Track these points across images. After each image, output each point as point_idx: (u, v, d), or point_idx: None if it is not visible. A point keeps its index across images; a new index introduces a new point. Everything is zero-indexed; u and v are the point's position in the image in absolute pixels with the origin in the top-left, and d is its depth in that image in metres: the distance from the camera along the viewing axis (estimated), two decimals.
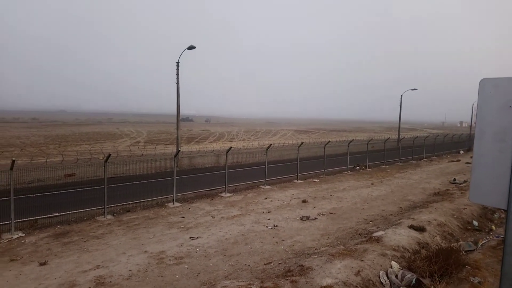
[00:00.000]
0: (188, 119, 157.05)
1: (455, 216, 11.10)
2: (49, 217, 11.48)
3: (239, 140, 56.25)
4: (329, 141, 24.63)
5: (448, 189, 16.22)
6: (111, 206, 12.64)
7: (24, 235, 9.79)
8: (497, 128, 2.63)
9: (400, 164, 26.79)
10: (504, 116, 2.60)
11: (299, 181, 18.51)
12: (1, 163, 21.78)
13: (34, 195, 14.66)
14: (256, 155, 28.01)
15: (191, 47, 23.18)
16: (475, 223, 10.80)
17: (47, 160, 20.88)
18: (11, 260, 8.04)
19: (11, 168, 10.09)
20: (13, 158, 10.54)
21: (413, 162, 28.18)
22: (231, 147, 17.61)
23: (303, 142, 23.77)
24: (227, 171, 15.74)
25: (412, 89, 44.03)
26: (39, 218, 11.15)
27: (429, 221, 10.01)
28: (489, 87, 2.70)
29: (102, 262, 7.95)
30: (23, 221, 10.69)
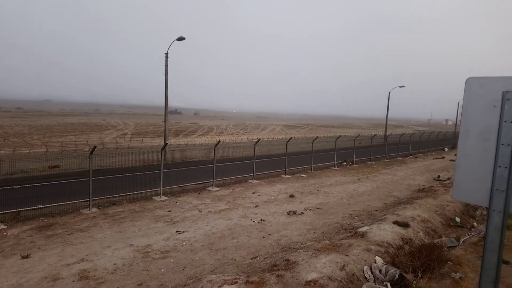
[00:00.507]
0: (176, 112, 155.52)
1: (439, 212, 11.36)
2: (32, 209, 11.24)
3: (228, 134, 56.07)
4: (317, 137, 24.76)
5: (432, 186, 16.56)
6: (97, 199, 12.47)
7: (6, 227, 9.57)
8: (481, 127, 2.66)
9: (386, 160, 27.19)
10: (489, 116, 2.62)
11: (287, 176, 18.61)
12: None
13: (17, 186, 14.33)
14: (244, 149, 27.97)
15: (180, 38, 22.86)
16: (458, 219, 11.07)
17: (31, 151, 20.39)
18: None
19: None
20: None
21: (399, 158, 28.65)
22: (219, 141, 17.55)
23: (291, 137, 23.85)
24: (215, 165, 15.69)
25: (400, 86, 44.60)
26: (22, 210, 10.90)
27: (413, 217, 10.21)
28: (475, 86, 2.71)
29: (87, 255, 7.85)
30: (5, 213, 10.44)
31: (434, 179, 19.14)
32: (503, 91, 2.57)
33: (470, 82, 2.73)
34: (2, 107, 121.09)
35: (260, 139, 20.93)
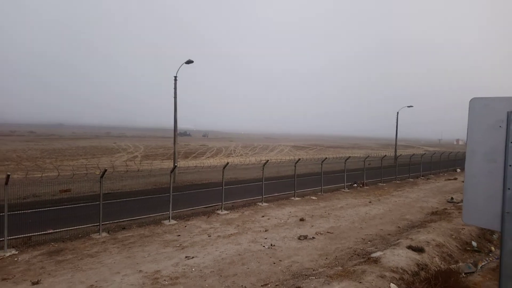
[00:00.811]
0: (186, 134, 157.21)
1: (454, 236, 11.04)
2: (43, 234, 11.30)
3: (237, 156, 56.18)
4: (326, 158, 24.63)
5: (445, 208, 16.17)
6: (107, 223, 12.49)
7: (17, 252, 9.60)
8: (488, 148, 2.62)
9: (398, 182, 26.78)
10: (494, 136, 2.59)
11: (297, 199, 18.42)
12: None
13: (29, 210, 14.47)
14: (253, 171, 27.94)
15: (189, 61, 23.44)
16: (474, 244, 10.72)
17: (43, 175, 20.72)
18: (3, 279, 7.86)
19: (6, 183, 9.99)
20: (8, 173, 10.46)
21: (410, 180, 28.20)
22: (228, 163, 17.58)
23: (300, 159, 23.78)
24: (224, 187, 15.65)
25: (408, 106, 44.51)
26: (33, 235, 10.97)
27: (428, 242, 9.94)
28: (479, 107, 2.70)
29: (96, 281, 7.78)
30: (17, 238, 10.51)
31: (448, 201, 18.71)
32: (507, 112, 2.54)
33: (474, 103, 2.72)
34: (15, 131, 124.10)
35: (268, 160, 20.89)
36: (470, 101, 2.74)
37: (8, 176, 10.04)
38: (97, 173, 21.82)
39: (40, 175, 20.23)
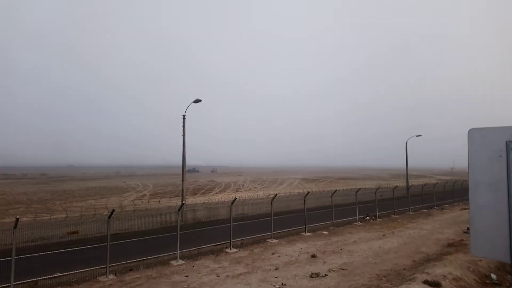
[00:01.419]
0: (194, 170, 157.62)
1: (471, 269, 10.52)
2: (50, 278, 11.11)
3: (245, 190, 55.75)
4: (336, 190, 24.27)
5: (462, 240, 15.56)
6: (114, 265, 12.26)
7: None
8: (490, 178, 2.60)
9: (411, 213, 26.06)
10: (495, 166, 2.58)
11: (308, 234, 17.96)
12: (6, 221, 21.64)
13: (37, 254, 14.35)
14: (262, 206, 27.55)
15: (197, 101, 24.05)
16: (494, 276, 10.18)
17: (52, 217, 20.74)
18: None
19: (15, 227, 10.03)
20: (17, 216, 10.52)
21: (424, 210, 27.43)
22: (235, 199, 17.43)
23: (309, 192, 23.48)
24: (232, 224, 15.41)
25: (417, 136, 44.30)
26: (40, 279, 10.79)
27: (444, 276, 9.47)
28: (477, 137, 2.71)
29: None
30: (23, 283, 10.35)
31: (464, 232, 18.03)
32: (506, 141, 2.55)
33: (473, 133, 2.73)
34: (27, 174, 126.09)
35: (277, 194, 20.66)
36: (468, 132, 2.76)
37: (17, 219, 10.10)
38: (105, 213, 21.77)
39: (48, 218, 20.25)
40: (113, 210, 12.53)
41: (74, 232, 18.52)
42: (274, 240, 16.34)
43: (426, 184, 36.89)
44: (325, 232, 18.45)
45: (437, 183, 37.79)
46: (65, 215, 18.81)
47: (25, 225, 18.21)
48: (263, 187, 63.61)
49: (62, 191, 53.94)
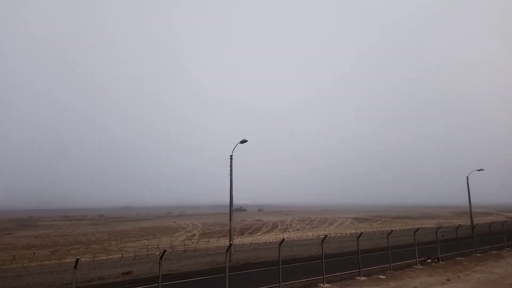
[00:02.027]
0: (241, 209, 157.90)
1: None
2: None
3: (293, 230, 54.16)
4: (392, 231, 22.64)
5: None
6: None
7: None
8: None
9: (478, 255, 23.29)
10: None
11: (363, 278, 16.69)
12: (67, 261, 23.01)
13: None
14: (312, 247, 26.40)
15: (243, 141, 24.64)
16: None
17: (108, 257, 21.67)
18: None
19: (75, 267, 10.60)
20: (77, 257, 11.16)
21: (494, 252, 24.37)
22: (283, 239, 16.95)
23: (362, 232, 22.16)
24: (280, 266, 14.86)
25: (478, 170, 40.71)
26: None
27: None
28: None
29: None
30: None
31: None
32: None
33: None
34: (87, 215, 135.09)
35: (327, 235, 19.76)
36: None
37: (77, 260, 10.70)
38: (157, 253, 22.29)
39: (105, 258, 21.18)
40: (164, 251, 12.80)
41: (128, 273, 19.06)
42: (326, 285, 15.38)
43: (493, 222, 33.11)
44: (381, 276, 17.02)
45: (506, 221, 33.81)
46: (120, 256, 19.57)
47: (84, 265, 19.19)
48: (312, 227, 61.40)
49: (118, 232, 56.64)
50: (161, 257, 12.31)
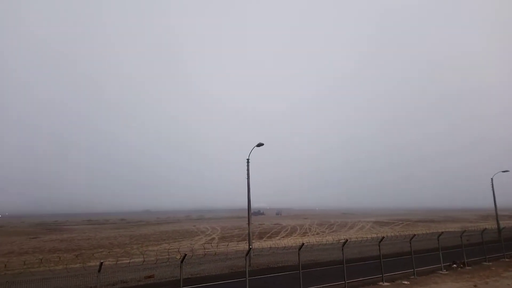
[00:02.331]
0: (259, 213, 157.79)
1: None
2: None
3: (312, 234, 53.62)
4: (415, 235, 22.06)
5: None
6: None
7: None
8: None
9: (507, 260, 22.37)
10: None
11: (385, 284, 16.33)
12: (91, 265, 23.63)
13: None
14: (332, 251, 26.05)
15: (259, 145, 24.65)
16: None
17: (131, 260, 22.10)
18: None
19: (99, 270, 10.88)
20: (101, 261, 11.45)
21: None
22: (303, 244, 16.82)
23: (384, 236, 21.71)
24: (301, 271, 14.75)
25: (503, 171, 39.17)
26: None
27: None
28: None
29: None
30: None
31: None
32: None
33: None
34: (109, 219, 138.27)
35: (347, 239, 19.46)
36: None
37: (101, 264, 10.99)
38: (178, 257, 22.56)
39: (128, 261, 21.61)
40: (185, 255, 12.96)
41: (150, 276, 19.38)
42: None
43: None
44: (405, 282, 16.60)
45: None
46: (142, 259, 19.92)
47: (107, 269, 19.62)
48: (332, 231, 60.62)
49: (139, 236, 57.68)
50: (182, 261, 12.46)
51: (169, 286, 16.89)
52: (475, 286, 15.30)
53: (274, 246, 29.49)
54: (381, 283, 16.46)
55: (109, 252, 32.15)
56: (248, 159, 25.91)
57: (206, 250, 30.51)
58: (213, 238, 50.35)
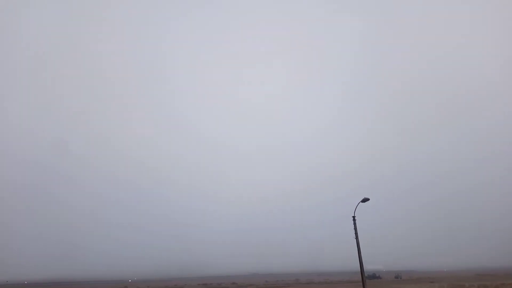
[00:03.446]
0: (375, 276, 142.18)
1: None
2: None
3: None
4: None
5: None
6: None
7: None
8: None
9: None
10: None
11: None
12: None
13: None
14: None
15: (365, 200, 23.31)
16: None
17: None
18: None
19: None
20: None
21: None
22: None
23: None
24: None
25: None
26: None
27: None
28: None
29: None
30: None
31: None
32: None
33: None
34: (221, 283, 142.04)
35: None
36: None
37: None
38: None
39: None
40: None
41: None
42: None
43: None
44: None
45: None
46: None
47: None
48: None
49: None
50: None
51: None
52: None
53: None
54: None
55: None
56: (354, 216, 24.54)
57: None
58: None
